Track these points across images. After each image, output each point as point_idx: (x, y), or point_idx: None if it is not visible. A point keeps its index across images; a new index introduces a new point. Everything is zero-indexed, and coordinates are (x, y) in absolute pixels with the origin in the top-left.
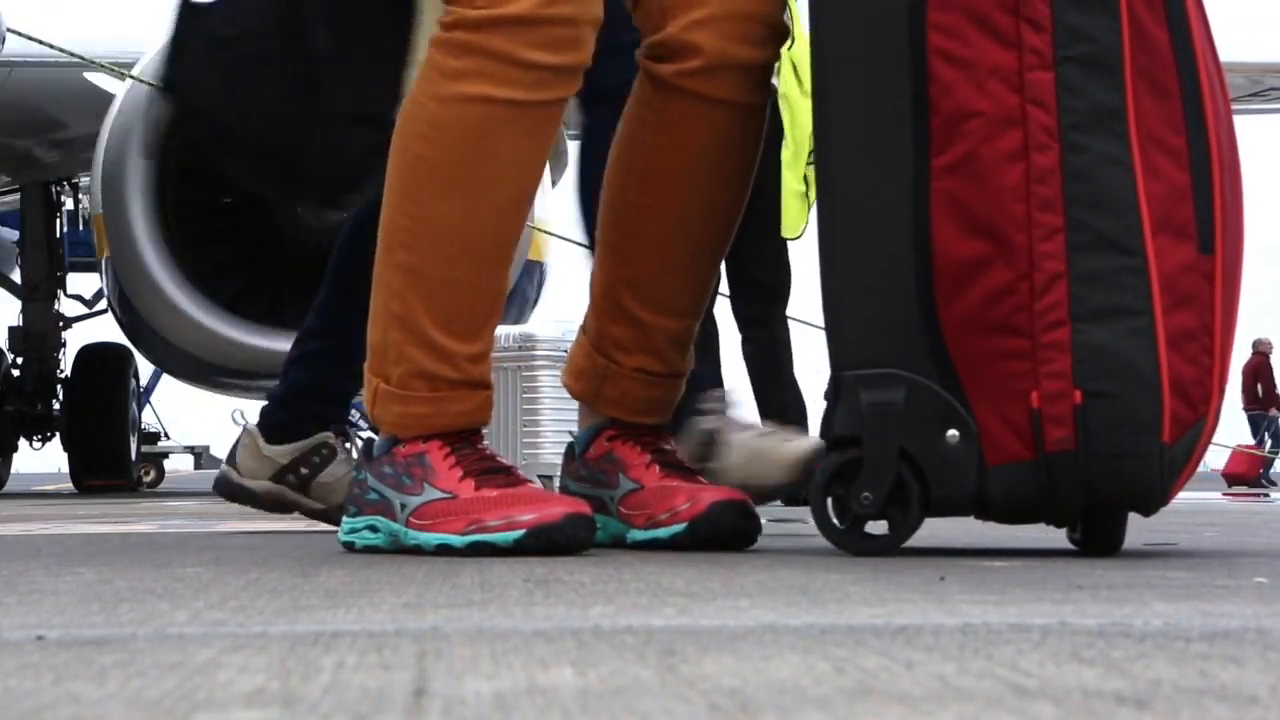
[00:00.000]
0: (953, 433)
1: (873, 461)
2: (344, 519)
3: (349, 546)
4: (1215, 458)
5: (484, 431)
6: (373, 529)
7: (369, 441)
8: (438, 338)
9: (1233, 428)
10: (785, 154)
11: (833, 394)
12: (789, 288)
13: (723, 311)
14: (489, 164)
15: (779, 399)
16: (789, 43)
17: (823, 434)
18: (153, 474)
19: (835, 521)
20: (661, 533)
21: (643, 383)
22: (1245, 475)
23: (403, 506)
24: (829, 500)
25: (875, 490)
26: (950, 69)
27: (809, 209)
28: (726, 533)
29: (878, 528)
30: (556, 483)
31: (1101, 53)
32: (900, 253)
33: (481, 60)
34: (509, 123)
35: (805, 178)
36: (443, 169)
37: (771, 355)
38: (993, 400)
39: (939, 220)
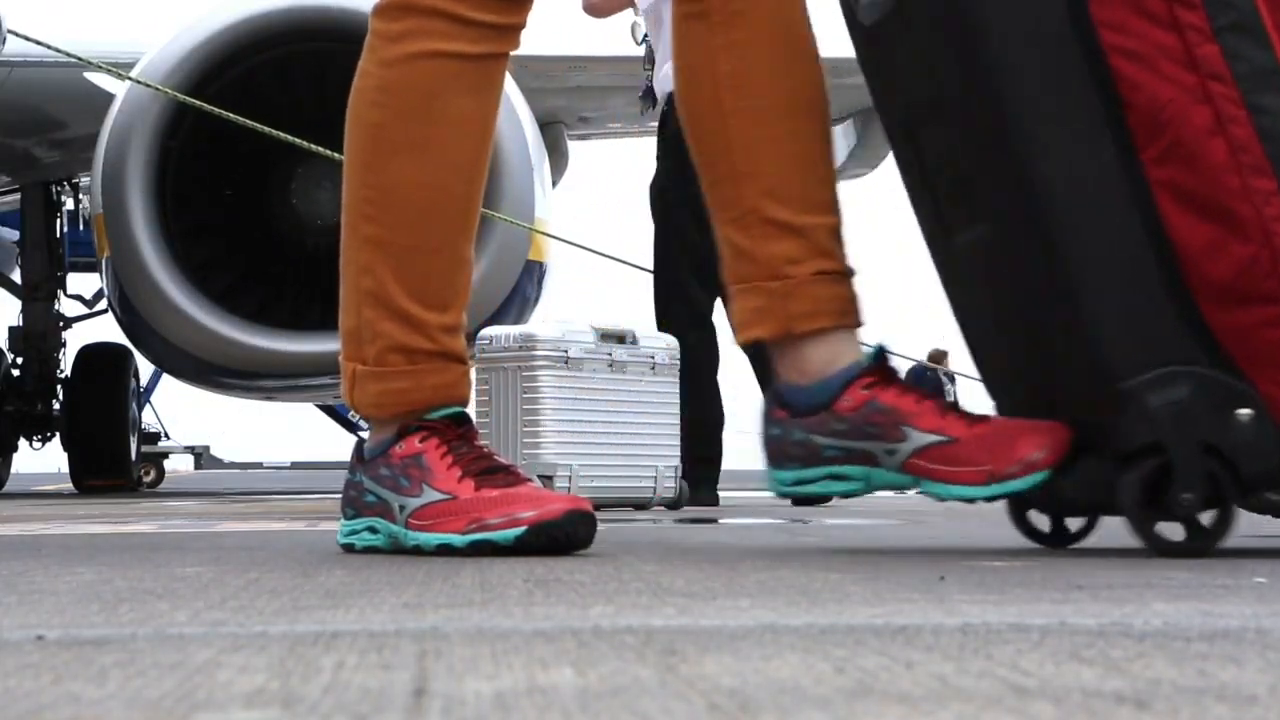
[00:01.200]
0: (1243, 411)
1: (1182, 462)
2: (341, 521)
3: (349, 549)
4: None
5: (483, 432)
6: (372, 530)
7: (359, 443)
8: (409, 307)
9: None
10: None
11: (1111, 408)
12: None
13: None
14: (439, 123)
15: None
16: None
17: (1110, 450)
18: (153, 474)
19: (1162, 535)
20: (1018, 484)
21: (826, 281)
22: None
23: (401, 508)
24: (1149, 516)
25: (1192, 488)
26: (1130, 63)
27: None
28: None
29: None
30: (557, 482)
31: (1244, 18)
32: (1139, 254)
33: (421, 19)
34: (455, 77)
35: None
36: (396, 131)
37: None
38: (1267, 369)
39: (1167, 210)
